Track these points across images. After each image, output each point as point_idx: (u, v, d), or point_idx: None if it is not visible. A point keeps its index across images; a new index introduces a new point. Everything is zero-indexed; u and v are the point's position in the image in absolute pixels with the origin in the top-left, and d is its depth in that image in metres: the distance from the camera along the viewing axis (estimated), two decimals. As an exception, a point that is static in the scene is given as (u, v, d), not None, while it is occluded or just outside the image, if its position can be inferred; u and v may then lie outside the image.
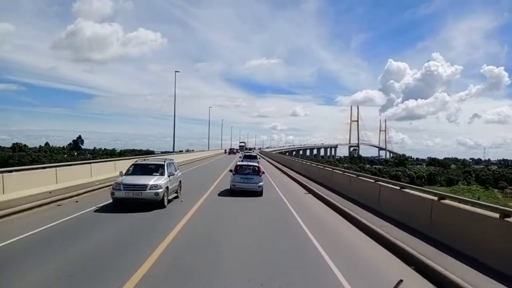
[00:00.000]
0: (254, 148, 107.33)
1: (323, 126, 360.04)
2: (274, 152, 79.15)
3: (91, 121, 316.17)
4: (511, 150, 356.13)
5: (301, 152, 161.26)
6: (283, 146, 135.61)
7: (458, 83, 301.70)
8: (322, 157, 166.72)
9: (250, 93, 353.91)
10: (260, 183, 16.99)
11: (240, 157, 42.19)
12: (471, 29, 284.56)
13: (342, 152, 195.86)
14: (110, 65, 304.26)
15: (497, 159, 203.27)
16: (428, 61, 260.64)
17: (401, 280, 1.75)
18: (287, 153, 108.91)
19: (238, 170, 17.49)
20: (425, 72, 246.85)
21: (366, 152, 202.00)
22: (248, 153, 42.97)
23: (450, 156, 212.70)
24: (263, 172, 18.55)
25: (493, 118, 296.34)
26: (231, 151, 77.23)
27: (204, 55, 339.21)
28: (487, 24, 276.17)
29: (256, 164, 18.81)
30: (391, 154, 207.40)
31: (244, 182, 16.85)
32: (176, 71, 49.02)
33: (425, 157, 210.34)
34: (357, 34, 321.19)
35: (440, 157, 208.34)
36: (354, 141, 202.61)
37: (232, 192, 16.84)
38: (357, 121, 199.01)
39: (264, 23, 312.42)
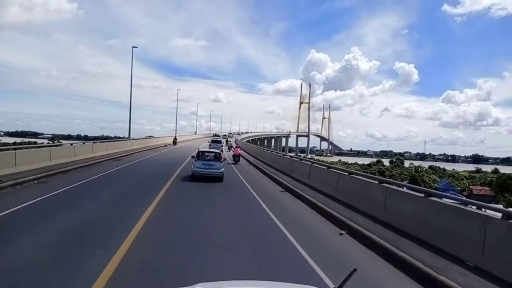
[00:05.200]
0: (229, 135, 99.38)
1: (245, 114, 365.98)
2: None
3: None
4: (413, 142, 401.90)
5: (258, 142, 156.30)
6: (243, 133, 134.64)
7: (371, 78, 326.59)
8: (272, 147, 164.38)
9: (168, 76, 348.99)
10: (221, 169, 17.13)
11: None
12: (382, 26, 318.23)
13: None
14: (7, 33, 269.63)
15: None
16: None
17: (355, 269, 1.84)
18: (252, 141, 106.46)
19: (199, 156, 17.48)
20: (345, 65, 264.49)
21: (304, 143, 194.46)
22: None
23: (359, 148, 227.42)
24: (224, 159, 19.13)
25: (402, 112, 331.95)
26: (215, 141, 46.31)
27: (117, 31, 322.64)
28: (396, 22, 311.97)
29: (218, 151, 19.46)
30: (330, 147, 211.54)
31: (206, 168, 16.84)
32: (133, 47, 39.63)
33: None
34: (276, 23, 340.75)
35: (349, 147, 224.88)
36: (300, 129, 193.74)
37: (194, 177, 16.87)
38: (308, 107, 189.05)
39: (182, 1, 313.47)
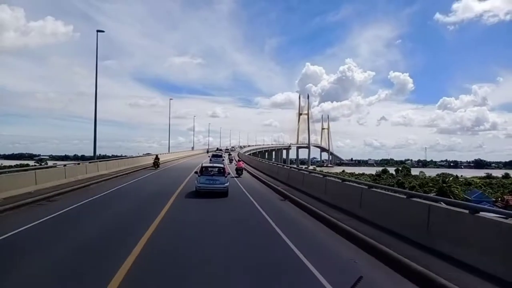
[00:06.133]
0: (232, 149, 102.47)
1: (243, 128, 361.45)
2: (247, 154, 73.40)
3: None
4: (411, 149, 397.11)
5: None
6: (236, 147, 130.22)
7: (367, 88, 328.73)
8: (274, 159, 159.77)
9: (165, 94, 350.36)
10: (226, 184, 17.01)
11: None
12: (375, 37, 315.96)
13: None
14: (2, 57, 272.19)
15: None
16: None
17: (361, 277, 2.04)
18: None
19: (203, 171, 17.29)
20: (341, 76, 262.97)
21: (303, 154, 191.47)
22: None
23: (358, 158, 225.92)
24: (228, 173, 19.25)
25: (399, 120, 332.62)
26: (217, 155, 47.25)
27: (113, 53, 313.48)
28: (388, 33, 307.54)
29: (222, 165, 19.15)
30: (330, 157, 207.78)
31: (210, 183, 16.68)
32: (98, 31, 29.61)
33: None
34: (270, 38, 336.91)
35: (348, 157, 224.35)
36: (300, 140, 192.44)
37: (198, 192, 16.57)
38: (308, 119, 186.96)
39: (177, 22, 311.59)
